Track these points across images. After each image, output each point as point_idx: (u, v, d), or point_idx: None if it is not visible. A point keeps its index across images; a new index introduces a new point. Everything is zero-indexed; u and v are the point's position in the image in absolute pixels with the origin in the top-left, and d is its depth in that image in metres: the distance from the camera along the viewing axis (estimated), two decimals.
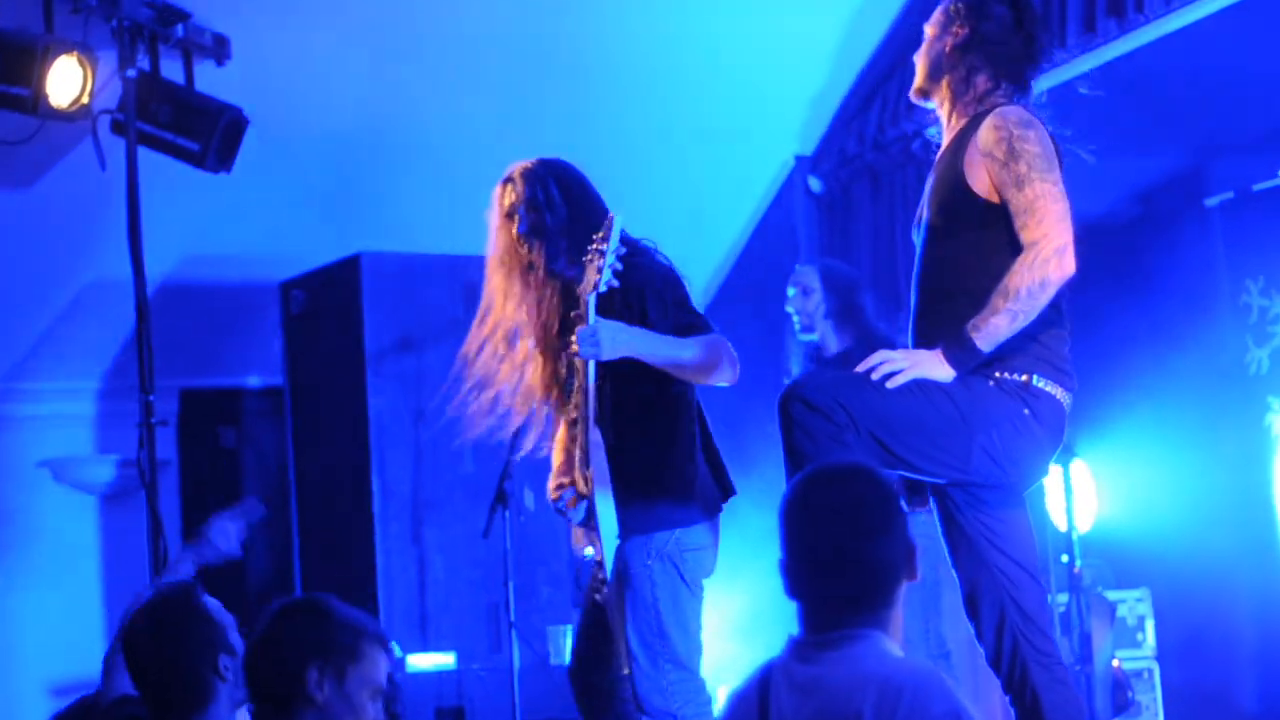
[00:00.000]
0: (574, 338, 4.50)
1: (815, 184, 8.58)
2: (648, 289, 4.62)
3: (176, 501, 8.53)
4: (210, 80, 6.87)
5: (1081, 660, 6.64)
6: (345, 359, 7.64)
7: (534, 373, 4.76)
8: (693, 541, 4.61)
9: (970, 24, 4.24)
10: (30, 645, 8.24)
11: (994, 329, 4.00)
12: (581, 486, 4.57)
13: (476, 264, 7.64)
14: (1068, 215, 4.03)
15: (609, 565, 4.55)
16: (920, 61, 4.34)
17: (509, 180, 4.77)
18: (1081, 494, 7.11)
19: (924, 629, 6.54)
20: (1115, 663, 6.95)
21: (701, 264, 8.47)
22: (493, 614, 7.50)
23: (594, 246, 4.51)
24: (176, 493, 8.54)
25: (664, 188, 7.90)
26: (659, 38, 7.74)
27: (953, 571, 4.24)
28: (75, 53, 6.36)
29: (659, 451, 4.64)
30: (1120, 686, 6.90)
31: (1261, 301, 7.33)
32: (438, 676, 7.25)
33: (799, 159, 8.60)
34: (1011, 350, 4.04)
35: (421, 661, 7.24)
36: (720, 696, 5.36)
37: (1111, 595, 7.19)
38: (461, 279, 7.71)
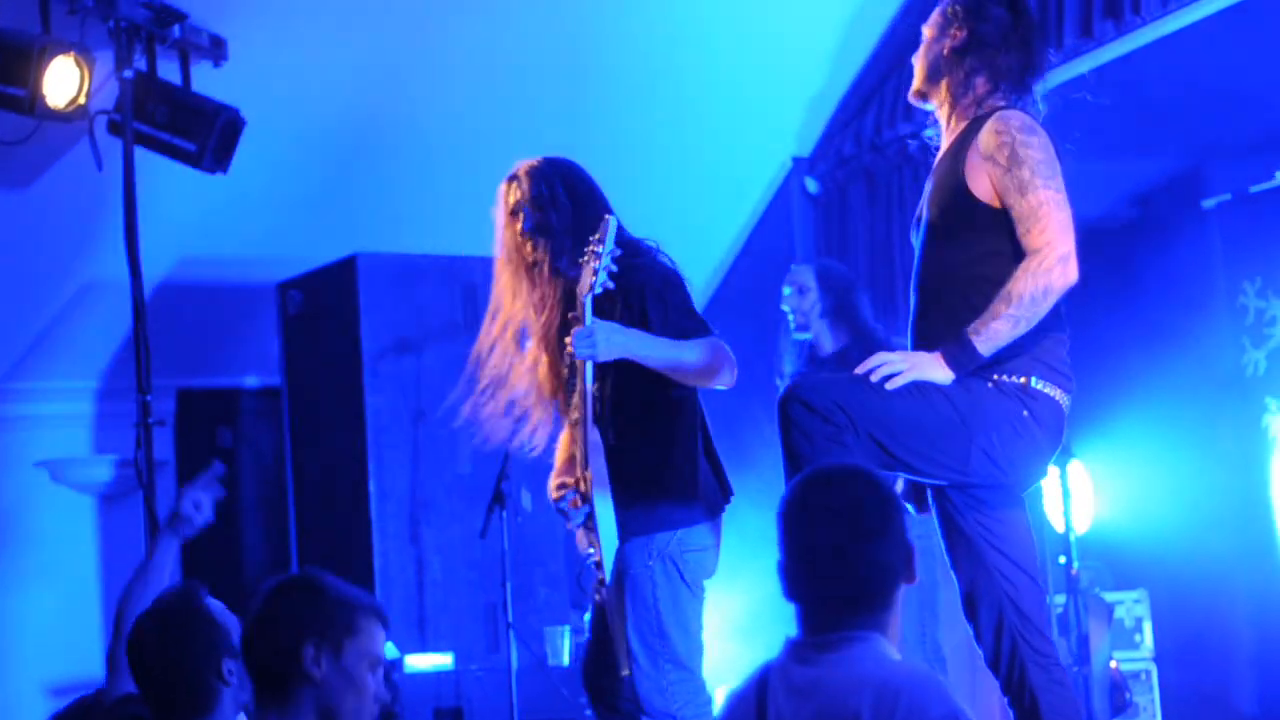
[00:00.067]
0: (569, 338, 4.51)
1: (812, 185, 8.58)
2: (648, 290, 4.62)
3: (173, 502, 8.51)
4: (207, 81, 6.87)
5: (1079, 661, 6.63)
6: (342, 359, 7.63)
7: (540, 372, 4.77)
8: (694, 542, 4.61)
9: (969, 26, 4.24)
10: (28, 646, 8.23)
11: (995, 333, 4.00)
12: (582, 487, 4.57)
13: (473, 264, 7.71)
14: (1070, 223, 4.05)
15: (608, 566, 4.55)
16: (918, 64, 4.34)
17: (514, 178, 4.76)
18: (1079, 495, 7.10)
19: (920, 634, 6.54)
20: (1113, 664, 6.95)
21: (698, 265, 8.46)
22: (490, 614, 7.50)
23: (590, 248, 4.51)
24: (174, 493, 8.51)
25: (661, 189, 7.90)
26: (656, 39, 7.74)
27: (951, 573, 4.24)
28: (72, 53, 6.35)
29: (660, 452, 4.63)
30: (1118, 688, 6.90)
31: (1258, 303, 7.33)
32: (435, 677, 7.24)
33: (796, 160, 8.61)
34: (1010, 352, 4.04)
35: (419, 662, 7.24)
36: (718, 697, 5.36)
37: (1109, 596, 7.19)
38: (458, 279, 7.73)
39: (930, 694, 2.88)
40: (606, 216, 4.53)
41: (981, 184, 4.11)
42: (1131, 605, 7.34)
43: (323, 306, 7.81)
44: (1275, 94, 6.86)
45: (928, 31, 4.34)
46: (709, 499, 4.67)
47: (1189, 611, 7.34)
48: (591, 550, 4.59)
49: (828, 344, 6.88)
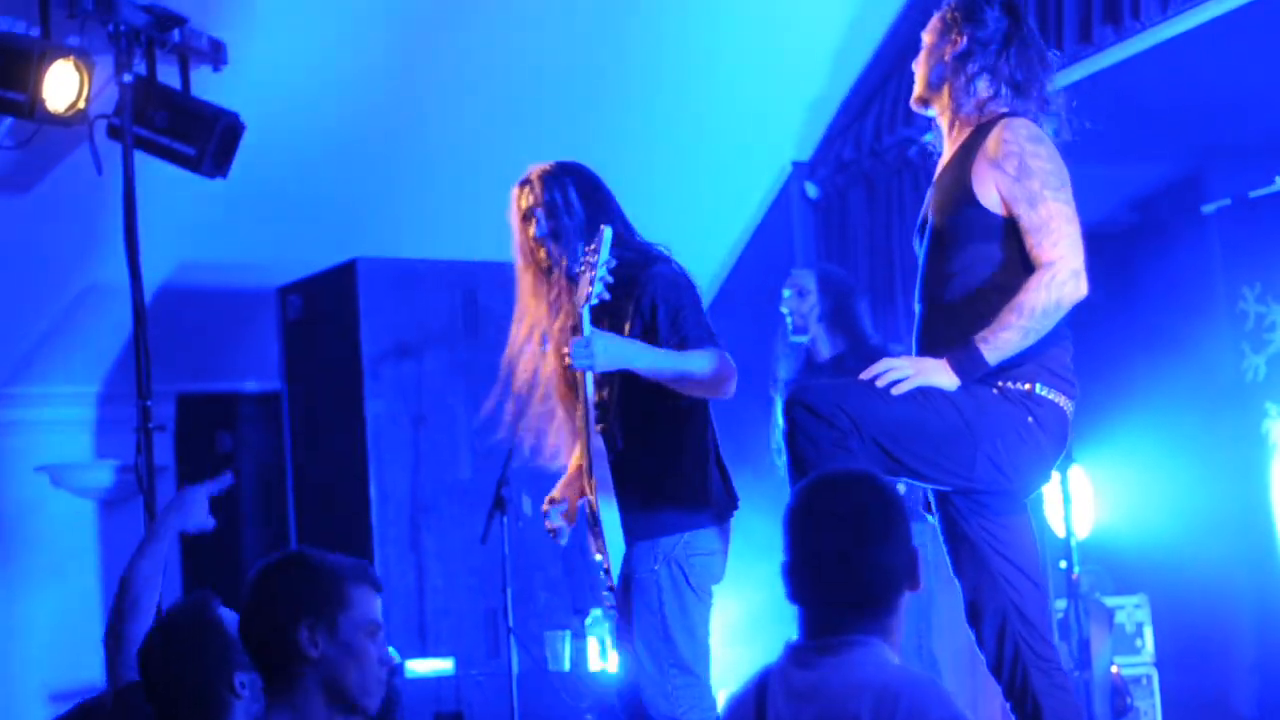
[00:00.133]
0: (567, 349, 4.51)
1: (812, 190, 8.58)
2: (659, 297, 4.61)
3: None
4: (207, 85, 6.87)
5: (1080, 666, 6.63)
6: (342, 364, 7.64)
7: (555, 377, 4.77)
8: (700, 546, 4.60)
9: (968, 32, 4.24)
10: (29, 650, 8.23)
11: (1004, 343, 4.01)
12: (589, 495, 4.57)
13: (473, 269, 7.72)
14: (1080, 236, 4.06)
15: (615, 572, 4.55)
16: (919, 70, 4.34)
17: (526, 183, 4.75)
18: (1080, 500, 7.10)
19: (916, 644, 6.52)
20: (1114, 669, 6.95)
21: (698, 270, 8.36)
22: (491, 620, 7.50)
23: (585, 258, 4.51)
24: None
25: (661, 193, 7.89)
26: (656, 44, 7.74)
27: (955, 579, 4.24)
28: (72, 58, 6.35)
29: (668, 457, 4.63)
30: (1119, 693, 6.90)
31: (1258, 308, 7.33)
32: (436, 682, 7.24)
33: (796, 165, 8.61)
34: (1016, 359, 4.04)
35: (420, 667, 7.23)
36: (720, 701, 5.35)
37: (1110, 601, 7.19)
38: (458, 284, 7.74)
39: (930, 698, 2.88)
40: (602, 226, 4.53)
41: (988, 191, 4.11)
42: (1132, 610, 7.34)
43: (323, 311, 7.81)
44: (1275, 99, 6.87)
45: (927, 37, 4.34)
46: (716, 504, 4.66)
47: (1190, 616, 7.34)
48: (600, 557, 4.59)
49: (825, 349, 6.86)
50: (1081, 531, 7.06)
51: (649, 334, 4.60)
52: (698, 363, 4.55)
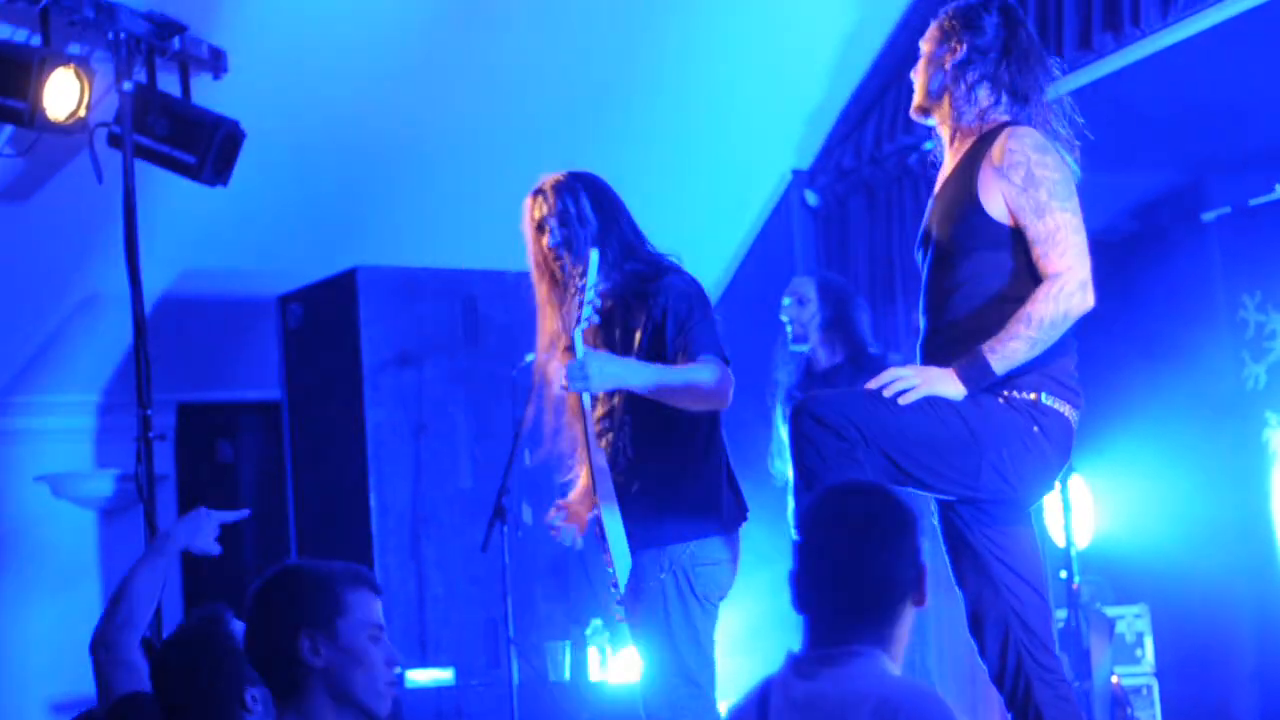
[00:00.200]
0: (563, 372, 4.51)
1: (812, 198, 8.59)
2: (670, 307, 4.61)
3: (174, 516, 8.51)
4: (207, 93, 6.87)
5: (1080, 677, 6.61)
6: (343, 373, 7.63)
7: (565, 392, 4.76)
8: (707, 555, 4.59)
9: (967, 40, 4.23)
10: (29, 660, 8.22)
11: (1011, 353, 4.01)
12: (596, 511, 4.58)
13: (474, 278, 7.72)
14: (1086, 247, 4.06)
15: (622, 583, 4.55)
16: (918, 79, 4.33)
17: (540, 193, 4.74)
18: (1080, 510, 7.09)
19: (909, 660, 6.51)
20: (1114, 679, 6.93)
21: (699, 278, 8.44)
22: (491, 629, 7.49)
23: (573, 281, 4.52)
24: (174, 507, 8.52)
25: (661, 202, 7.87)
26: (657, 53, 7.74)
27: (957, 588, 4.23)
28: (72, 66, 6.36)
29: (675, 467, 4.62)
30: (1119, 703, 6.89)
31: (1259, 317, 7.32)
32: (436, 692, 7.23)
33: (796, 173, 8.62)
34: (1021, 368, 4.04)
35: (420, 677, 7.22)
36: (722, 711, 5.35)
37: (1110, 611, 7.18)
38: (459, 293, 7.74)
39: (930, 710, 2.88)
40: (590, 249, 4.53)
41: (994, 201, 4.10)
42: (1132, 620, 7.32)
43: (323, 320, 7.81)
44: (1275, 107, 6.86)
45: (925, 46, 4.33)
46: (725, 513, 4.65)
47: (1190, 626, 7.32)
48: (611, 570, 4.59)
49: (824, 358, 6.85)
50: (1082, 541, 7.05)
51: (658, 343, 4.60)
52: (694, 375, 4.54)
